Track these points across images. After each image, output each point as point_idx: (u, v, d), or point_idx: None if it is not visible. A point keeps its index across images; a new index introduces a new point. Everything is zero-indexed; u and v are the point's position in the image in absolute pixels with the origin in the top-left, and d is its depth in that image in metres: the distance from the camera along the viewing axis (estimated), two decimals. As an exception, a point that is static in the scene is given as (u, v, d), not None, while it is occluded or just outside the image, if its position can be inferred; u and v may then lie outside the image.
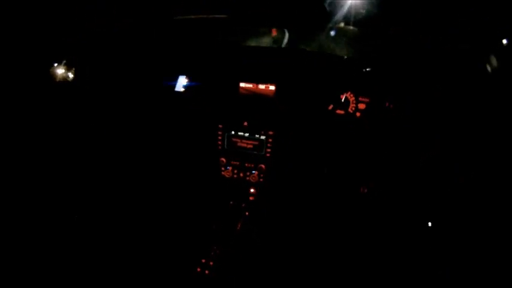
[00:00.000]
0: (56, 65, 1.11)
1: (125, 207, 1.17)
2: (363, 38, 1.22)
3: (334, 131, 1.02)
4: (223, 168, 1.07)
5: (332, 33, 1.22)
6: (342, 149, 1.03)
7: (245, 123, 1.01)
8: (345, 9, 1.00)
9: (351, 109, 0.99)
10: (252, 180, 1.05)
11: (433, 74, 0.93)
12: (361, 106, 0.98)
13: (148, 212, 1.15)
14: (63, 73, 1.13)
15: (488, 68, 0.81)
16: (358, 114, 0.98)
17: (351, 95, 0.98)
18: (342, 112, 1.00)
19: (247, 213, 1.03)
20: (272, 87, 1.01)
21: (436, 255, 0.89)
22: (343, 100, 0.98)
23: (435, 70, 0.93)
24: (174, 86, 1.13)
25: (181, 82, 1.13)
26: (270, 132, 1.00)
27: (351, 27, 1.12)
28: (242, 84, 1.03)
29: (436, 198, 0.93)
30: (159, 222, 1.12)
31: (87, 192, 1.19)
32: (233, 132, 1.03)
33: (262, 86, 1.02)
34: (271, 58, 1.11)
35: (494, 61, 0.80)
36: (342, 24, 1.10)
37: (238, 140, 1.03)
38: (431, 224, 0.92)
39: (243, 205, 1.04)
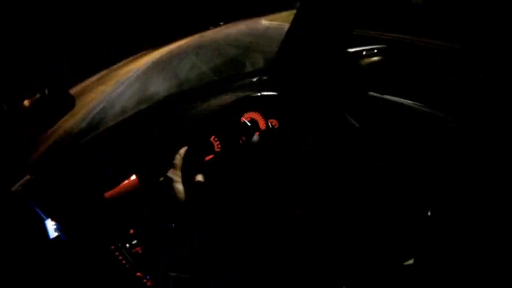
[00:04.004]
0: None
1: None
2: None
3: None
4: (145, 281, 0.95)
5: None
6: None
7: (131, 231, 0.90)
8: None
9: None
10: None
11: None
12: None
13: None
14: None
15: None
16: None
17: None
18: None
19: None
20: (134, 177, 0.91)
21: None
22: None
23: None
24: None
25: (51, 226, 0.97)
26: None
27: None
28: (107, 194, 0.92)
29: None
30: None
31: None
32: (128, 245, 0.91)
33: (125, 182, 0.92)
34: None
35: None
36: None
37: (139, 248, 0.92)
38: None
39: None
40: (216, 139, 0.93)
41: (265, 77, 1.07)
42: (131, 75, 9.15)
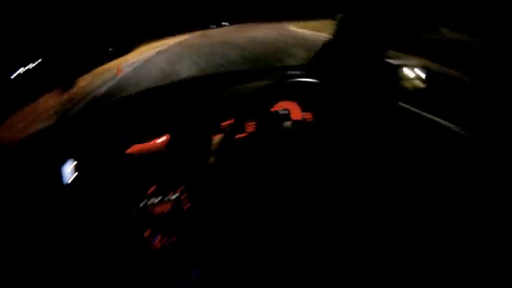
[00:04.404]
0: None
1: None
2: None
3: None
4: (151, 241, 0.96)
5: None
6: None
7: (152, 189, 0.92)
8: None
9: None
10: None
11: None
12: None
13: None
14: None
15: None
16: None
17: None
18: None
19: None
20: (163, 138, 0.93)
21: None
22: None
23: None
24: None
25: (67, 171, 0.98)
26: (180, 188, 0.91)
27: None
28: (133, 149, 0.93)
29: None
30: None
31: None
32: (144, 203, 0.92)
33: (154, 141, 0.93)
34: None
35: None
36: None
37: (153, 208, 0.93)
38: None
39: None
40: (249, 121, 0.94)
41: (303, 71, 1.09)
42: (154, 52, 9.27)
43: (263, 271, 0.84)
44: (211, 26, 17.68)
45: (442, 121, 0.91)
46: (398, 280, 0.86)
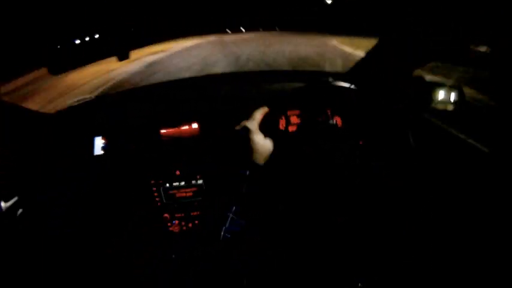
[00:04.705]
0: None
1: None
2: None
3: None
4: (169, 224, 0.97)
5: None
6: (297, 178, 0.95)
7: (177, 172, 0.93)
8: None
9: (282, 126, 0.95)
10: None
11: None
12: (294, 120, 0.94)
13: None
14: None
15: None
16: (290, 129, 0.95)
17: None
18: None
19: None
20: (195, 126, 0.94)
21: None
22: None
23: None
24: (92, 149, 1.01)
25: (99, 144, 1.01)
26: (207, 174, 0.93)
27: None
28: (163, 131, 0.95)
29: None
30: None
31: None
32: (168, 185, 0.94)
33: (185, 127, 0.95)
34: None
35: None
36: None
37: (176, 191, 0.95)
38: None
39: None
40: (293, 115, 0.97)
41: (341, 78, 1.11)
42: (189, 45, 9.22)
43: (266, 268, 0.86)
44: (228, 31, 17.32)
45: (463, 136, 0.95)
46: (398, 280, 0.89)
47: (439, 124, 1.02)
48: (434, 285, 0.86)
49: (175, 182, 0.94)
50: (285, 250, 0.96)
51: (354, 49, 7.38)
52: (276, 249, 0.95)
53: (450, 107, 1.09)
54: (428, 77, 1.13)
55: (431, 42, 0.94)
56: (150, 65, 7.05)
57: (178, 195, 0.95)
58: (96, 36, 0.92)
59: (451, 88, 1.12)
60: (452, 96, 1.10)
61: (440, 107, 1.08)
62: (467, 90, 1.18)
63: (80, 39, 0.84)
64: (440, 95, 1.11)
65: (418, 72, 1.07)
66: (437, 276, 0.85)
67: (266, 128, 0.73)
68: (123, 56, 1.00)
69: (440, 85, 1.11)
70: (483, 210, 0.81)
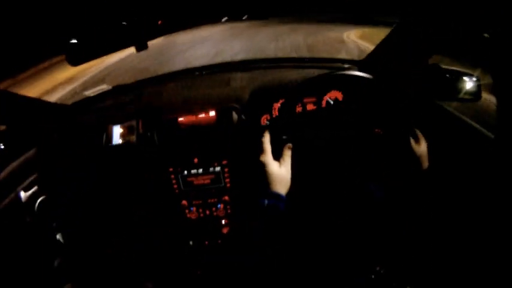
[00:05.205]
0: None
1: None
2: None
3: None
4: (187, 211, 0.99)
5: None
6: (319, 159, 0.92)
7: (195, 160, 0.94)
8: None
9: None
10: (220, 215, 0.98)
11: None
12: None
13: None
14: None
15: None
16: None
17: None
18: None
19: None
20: (213, 113, 0.94)
21: None
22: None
23: None
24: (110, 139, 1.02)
25: (117, 133, 1.02)
26: (224, 162, 0.93)
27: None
28: (181, 119, 0.96)
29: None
30: None
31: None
32: (186, 172, 0.95)
33: (202, 115, 0.95)
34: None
35: None
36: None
37: (194, 179, 0.96)
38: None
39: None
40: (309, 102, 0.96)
41: (357, 66, 1.09)
42: (205, 34, 9.14)
43: (264, 266, 0.86)
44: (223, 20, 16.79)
45: (475, 124, 0.94)
46: (398, 280, 0.87)
47: (456, 114, 0.99)
48: (440, 284, 0.85)
49: (193, 169, 0.95)
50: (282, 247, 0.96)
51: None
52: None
53: (473, 98, 1.06)
54: (448, 67, 1.10)
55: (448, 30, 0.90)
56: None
57: (196, 182, 0.96)
58: (115, 26, 0.92)
59: (476, 79, 1.09)
60: (475, 87, 1.07)
61: (466, 97, 1.06)
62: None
63: (98, 30, 0.84)
64: (468, 85, 1.08)
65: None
66: (443, 275, 0.83)
67: (283, 114, 0.72)
68: (141, 46, 1.00)
69: (467, 75, 1.07)
70: (492, 207, 0.78)
